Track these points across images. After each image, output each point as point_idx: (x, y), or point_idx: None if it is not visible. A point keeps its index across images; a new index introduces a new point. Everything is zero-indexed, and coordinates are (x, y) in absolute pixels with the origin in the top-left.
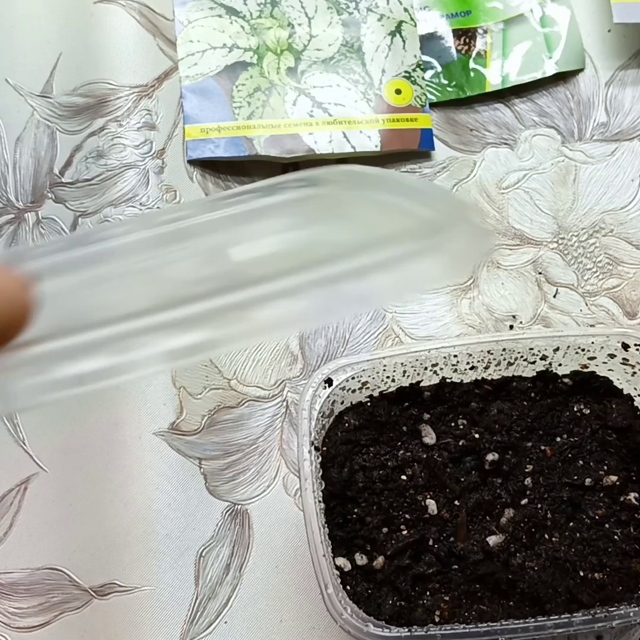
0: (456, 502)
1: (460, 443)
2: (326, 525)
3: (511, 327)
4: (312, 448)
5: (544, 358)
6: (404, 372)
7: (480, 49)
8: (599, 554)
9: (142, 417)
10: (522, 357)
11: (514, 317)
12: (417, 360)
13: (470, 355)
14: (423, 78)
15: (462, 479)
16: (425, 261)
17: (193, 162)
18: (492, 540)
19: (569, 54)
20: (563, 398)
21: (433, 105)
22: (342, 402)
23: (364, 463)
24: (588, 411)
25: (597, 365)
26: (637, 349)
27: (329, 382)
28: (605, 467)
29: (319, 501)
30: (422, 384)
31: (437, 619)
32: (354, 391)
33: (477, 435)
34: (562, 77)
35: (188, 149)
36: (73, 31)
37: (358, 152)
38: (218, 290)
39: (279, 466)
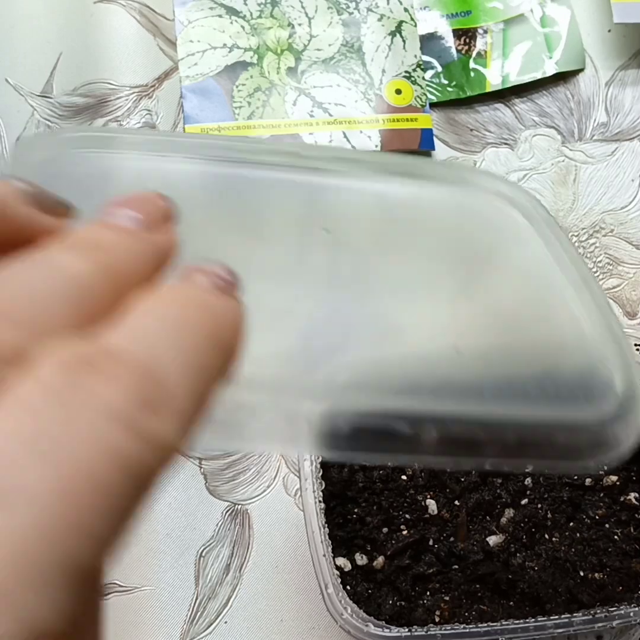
0: (456, 502)
1: None
2: (326, 525)
3: None
4: None
5: None
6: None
7: (480, 49)
8: (599, 554)
9: None
10: None
11: None
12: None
13: None
14: (423, 78)
15: (462, 479)
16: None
17: None
18: (492, 540)
19: (569, 54)
20: None
21: (433, 105)
22: None
23: (364, 463)
24: None
25: None
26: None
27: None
28: (605, 467)
29: (319, 501)
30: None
31: (437, 619)
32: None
33: None
34: (562, 77)
35: None
36: (73, 31)
37: None
38: None
39: (279, 466)
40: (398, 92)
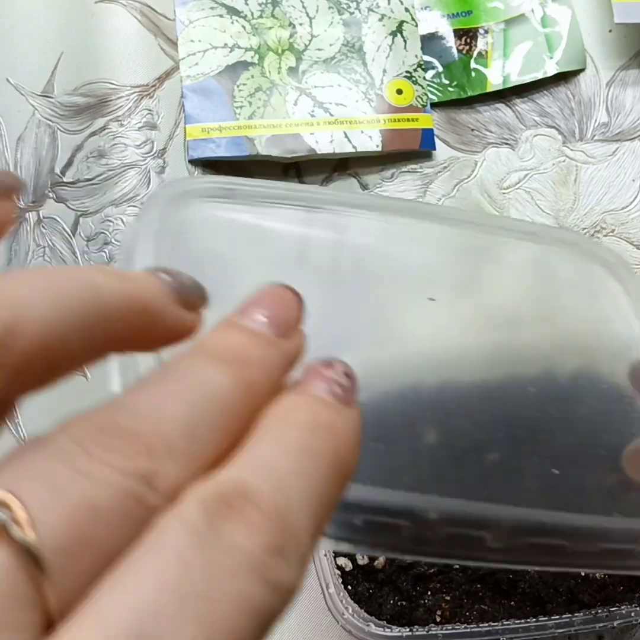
0: None
1: None
2: None
3: None
4: None
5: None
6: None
7: (481, 49)
8: None
9: None
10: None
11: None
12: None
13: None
14: (424, 78)
15: None
16: None
17: (194, 162)
18: None
19: (570, 54)
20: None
21: (434, 105)
22: None
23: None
24: None
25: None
26: None
27: None
28: None
29: None
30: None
31: (438, 619)
32: None
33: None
34: (563, 77)
35: (189, 149)
36: (74, 31)
37: (359, 152)
38: None
39: None
40: (399, 92)
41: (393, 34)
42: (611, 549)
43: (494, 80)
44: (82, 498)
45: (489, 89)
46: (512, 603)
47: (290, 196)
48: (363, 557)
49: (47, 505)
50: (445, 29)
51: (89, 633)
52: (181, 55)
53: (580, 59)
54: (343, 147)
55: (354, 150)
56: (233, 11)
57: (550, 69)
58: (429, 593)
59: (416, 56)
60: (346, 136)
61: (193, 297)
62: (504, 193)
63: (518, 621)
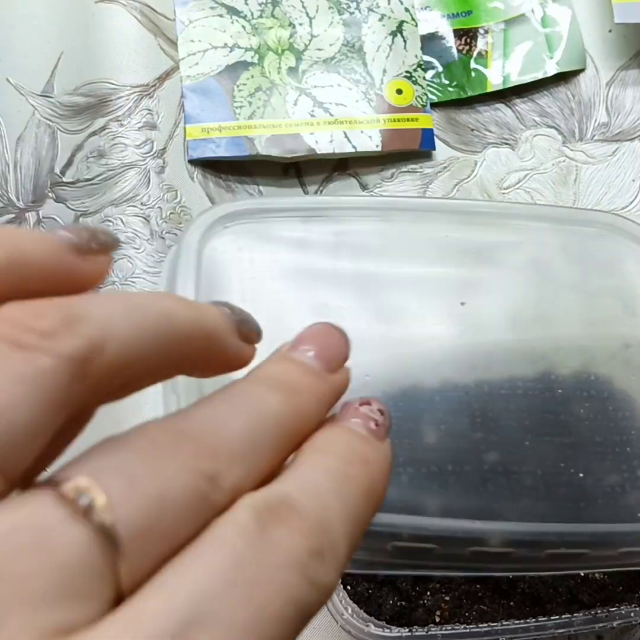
0: None
1: None
2: None
3: None
4: None
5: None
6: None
7: (481, 49)
8: None
9: (144, 417)
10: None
11: None
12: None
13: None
14: (424, 78)
15: None
16: None
17: (194, 162)
18: None
19: (570, 54)
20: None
21: (434, 105)
22: None
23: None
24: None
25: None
26: None
27: None
28: None
29: None
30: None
31: (437, 619)
32: (353, 391)
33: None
34: (563, 77)
35: (189, 149)
36: (74, 31)
37: (359, 152)
38: None
39: None
40: (399, 92)
41: (393, 34)
42: (632, 551)
43: (494, 80)
44: (156, 490)
45: (489, 89)
46: (512, 603)
47: (318, 209)
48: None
49: (124, 494)
50: (445, 29)
51: (155, 605)
52: (181, 55)
53: (581, 59)
54: (343, 147)
55: (353, 150)
56: (233, 11)
57: (550, 69)
58: (429, 593)
59: (416, 56)
60: (346, 136)
61: (251, 332)
62: (503, 193)
63: (517, 621)
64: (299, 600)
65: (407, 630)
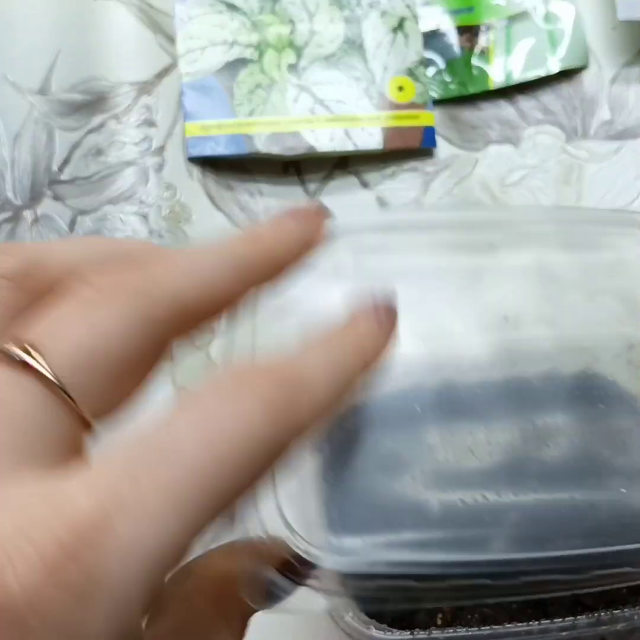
0: None
1: None
2: None
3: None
4: None
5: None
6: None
7: (483, 46)
8: None
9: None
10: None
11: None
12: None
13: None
14: (425, 75)
15: None
16: None
17: (193, 160)
18: None
19: (573, 51)
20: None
21: (435, 102)
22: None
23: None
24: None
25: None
26: None
27: None
28: None
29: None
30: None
31: (439, 622)
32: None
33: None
34: (566, 75)
35: (188, 147)
36: (72, 28)
37: (360, 149)
38: None
39: None
40: (400, 89)
41: (394, 31)
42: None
43: (496, 77)
44: (90, 328)
45: (491, 87)
46: (514, 606)
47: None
48: None
49: (53, 333)
50: (447, 26)
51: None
52: (180, 52)
53: (584, 56)
54: (343, 145)
55: (354, 148)
56: (232, 8)
57: (553, 66)
58: None
59: (417, 53)
60: (347, 134)
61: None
62: (505, 191)
63: (520, 624)
64: (260, 429)
65: (408, 633)
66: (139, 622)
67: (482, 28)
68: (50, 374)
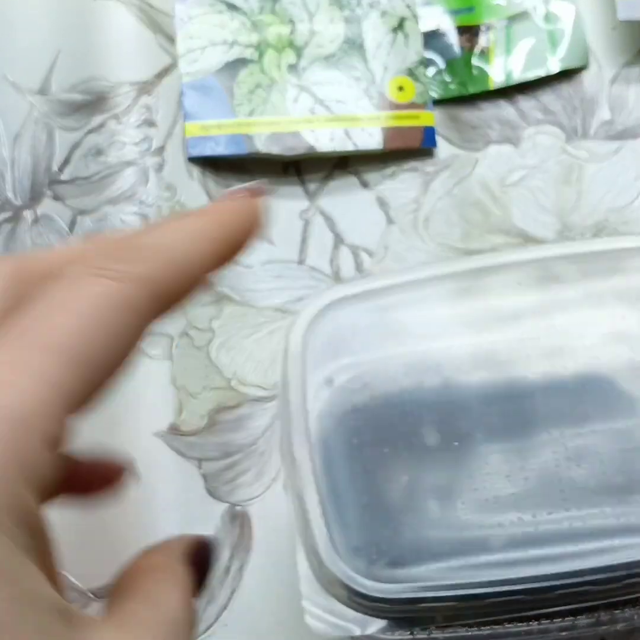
0: None
1: None
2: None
3: None
4: None
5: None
6: (406, 372)
7: (483, 46)
8: None
9: (141, 418)
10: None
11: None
12: (420, 359)
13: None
14: (425, 75)
15: None
16: None
17: (193, 160)
18: None
19: (573, 51)
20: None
21: (435, 102)
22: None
23: None
24: None
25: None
26: None
27: (329, 381)
28: None
29: (319, 502)
30: (424, 384)
31: (439, 622)
32: (354, 391)
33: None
34: (566, 75)
35: (188, 147)
36: (72, 28)
37: (360, 149)
38: None
39: (280, 467)
40: (400, 89)
41: (394, 31)
42: None
43: (496, 77)
44: None
45: (491, 87)
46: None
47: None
48: None
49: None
50: (447, 26)
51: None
52: (180, 52)
53: (584, 56)
54: (344, 145)
55: (354, 148)
56: (233, 7)
57: (553, 66)
58: None
59: (417, 53)
60: (347, 134)
61: None
62: (505, 191)
63: (520, 624)
64: (102, 293)
65: (408, 632)
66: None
67: (482, 28)
68: None
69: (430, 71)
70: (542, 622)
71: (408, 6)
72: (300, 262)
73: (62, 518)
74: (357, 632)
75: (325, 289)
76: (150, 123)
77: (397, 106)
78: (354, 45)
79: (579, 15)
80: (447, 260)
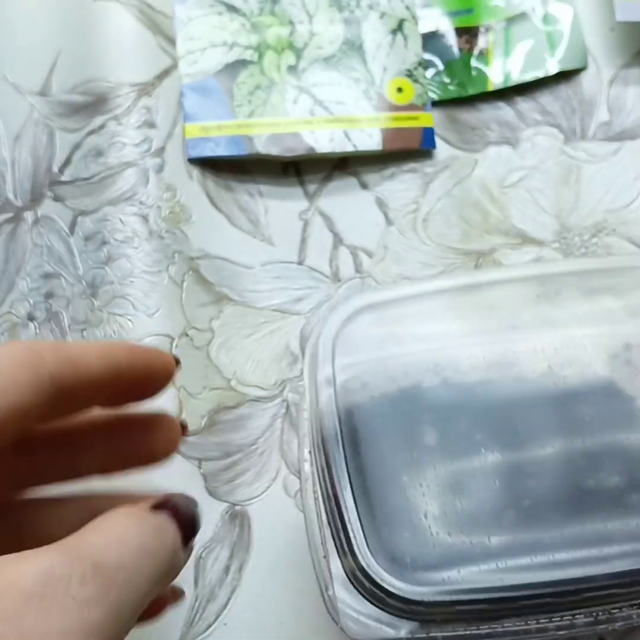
0: None
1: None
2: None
3: None
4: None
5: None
6: (405, 372)
7: (482, 48)
8: None
9: None
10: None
11: None
12: (420, 360)
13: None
14: (425, 76)
15: None
16: None
17: (193, 161)
18: None
19: (571, 52)
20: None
21: (435, 103)
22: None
23: None
24: None
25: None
26: None
27: (330, 381)
28: None
29: (319, 502)
30: (423, 384)
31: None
32: (354, 391)
33: (479, 436)
34: (564, 76)
35: (188, 148)
36: (72, 29)
37: (359, 150)
38: None
39: (279, 467)
40: (399, 90)
41: (393, 32)
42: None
43: (495, 78)
44: None
45: (490, 88)
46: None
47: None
48: None
49: None
50: (446, 27)
51: None
52: (180, 53)
53: (582, 58)
54: (343, 146)
55: (354, 149)
56: (232, 9)
57: (552, 68)
58: None
59: (416, 54)
60: (346, 135)
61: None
62: (504, 192)
63: (519, 623)
64: (63, 613)
65: (425, 632)
66: None
67: (481, 29)
68: None
69: (430, 72)
70: (541, 621)
71: (407, 8)
72: (300, 262)
73: None
74: (392, 634)
75: (349, 297)
76: (150, 124)
77: (396, 107)
78: (353, 47)
79: (577, 16)
80: (450, 273)
